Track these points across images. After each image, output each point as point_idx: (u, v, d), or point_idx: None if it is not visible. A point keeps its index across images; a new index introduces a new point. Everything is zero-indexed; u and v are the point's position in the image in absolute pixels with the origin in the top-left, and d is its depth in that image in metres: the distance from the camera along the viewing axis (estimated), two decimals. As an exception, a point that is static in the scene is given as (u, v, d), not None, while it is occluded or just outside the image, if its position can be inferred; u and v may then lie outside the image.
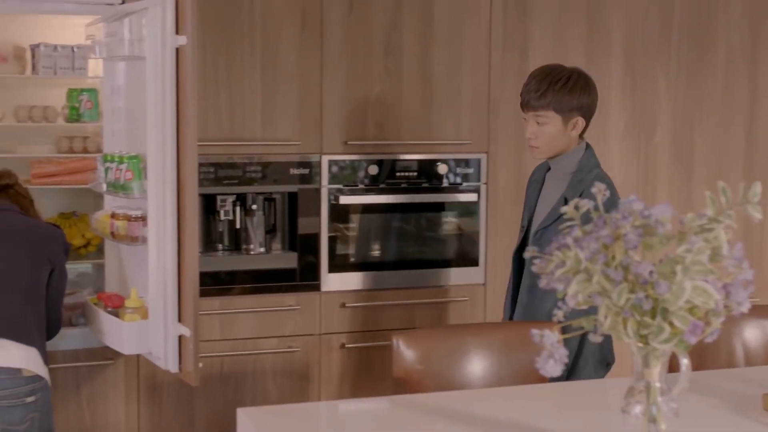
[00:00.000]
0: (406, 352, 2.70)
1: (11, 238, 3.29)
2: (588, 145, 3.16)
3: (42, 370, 3.17)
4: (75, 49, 3.98)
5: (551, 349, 1.65)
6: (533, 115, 3.10)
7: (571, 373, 2.92)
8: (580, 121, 3.10)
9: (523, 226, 3.24)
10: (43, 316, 3.27)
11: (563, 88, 3.06)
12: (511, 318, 3.21)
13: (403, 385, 2.72)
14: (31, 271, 3.25)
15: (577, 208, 1.74)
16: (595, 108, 3.16)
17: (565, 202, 3.02)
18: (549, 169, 3.20)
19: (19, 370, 3.10)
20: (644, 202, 1.69)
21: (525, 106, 3.13)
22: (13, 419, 3.07)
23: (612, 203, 1.72)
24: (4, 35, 4.05)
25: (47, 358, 3.24)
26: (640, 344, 1.70)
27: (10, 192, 3.47)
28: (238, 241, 4.13)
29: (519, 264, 3.20)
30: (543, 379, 2.57)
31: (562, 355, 1.65)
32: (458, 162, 4.29)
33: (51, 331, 3.35)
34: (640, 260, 1.65)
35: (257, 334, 4.06)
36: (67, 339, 3.78)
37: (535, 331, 1.67)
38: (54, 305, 3.35)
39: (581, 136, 3.15)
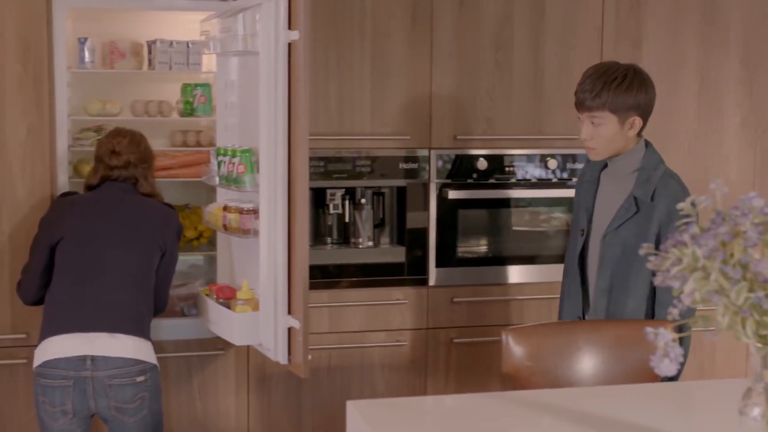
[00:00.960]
0: (515, 348, 2.68)
1: (125, 225, 3.37)
2: (648, 143, 3.06)
3: (152, 358, 3.28)
4: (189, 45, 4.05)
5: (666, 347, 1.62)
6: (588, 115, 3.00)
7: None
8: (637, 121, 2.99)
9: (582, 229, 3.12)
10: (152, 304, 3.37)
11: (619, 88, 2.95)
12: None
13: (511, 381, 2.70)
14: (144, 258, 3.34)
15: (693, 204, 1.70)
16: (653, 106, 3.03)
17: (635, 201, 2.96)
18: (604, 167, 3.10)
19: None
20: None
21: (579, 106, 3.02)
22: (125, 398, 3.19)
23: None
24: (123, 32, 4.15)
25: (154, 345, 3.35)
26: (760, 344, 1.66)
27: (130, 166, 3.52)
28: (346, 234, 4.16)
29: (581, 268, 3.11)
30: (655, 378, 2.53)
31: (678, 354, 1.62)
32: (567, 157, 4.23)
33: (158, 308, 3.45)
34: (760, 258, 1.61)
35: (365, 327, 4.08)
36: (180, 329, 3.88)
37: (649, 330, 1.63)
38: (162, 288, 3.45)
39: (639, 134, 3.04)
